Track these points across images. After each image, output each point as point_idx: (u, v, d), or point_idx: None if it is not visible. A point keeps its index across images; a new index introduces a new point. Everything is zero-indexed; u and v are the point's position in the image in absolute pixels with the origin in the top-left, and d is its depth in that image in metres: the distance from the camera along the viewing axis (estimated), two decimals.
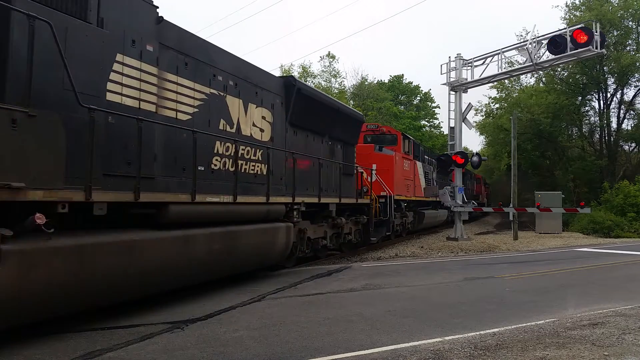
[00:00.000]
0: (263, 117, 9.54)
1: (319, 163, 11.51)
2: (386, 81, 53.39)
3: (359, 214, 14.04)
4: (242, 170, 8.68)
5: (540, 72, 27.80)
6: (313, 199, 11.00)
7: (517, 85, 38.16)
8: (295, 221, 10.11)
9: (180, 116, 7.38)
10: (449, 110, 20.36)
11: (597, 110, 34.38)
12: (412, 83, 54.82)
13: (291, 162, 10.23)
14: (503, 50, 19.15)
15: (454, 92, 20.22)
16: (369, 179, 14.98)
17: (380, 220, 15.67)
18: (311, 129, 11.51)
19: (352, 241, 13.81)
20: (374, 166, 15.65)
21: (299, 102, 10.55)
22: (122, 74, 6.27)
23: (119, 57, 6.23)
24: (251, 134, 9.09)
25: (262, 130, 9.46)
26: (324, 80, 42.74)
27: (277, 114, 10.00)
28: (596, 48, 16.66)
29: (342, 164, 13.09)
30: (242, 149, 8.71)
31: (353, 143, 14.30)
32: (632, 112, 33.38)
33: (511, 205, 21.16)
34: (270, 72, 10.40)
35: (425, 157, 23.76)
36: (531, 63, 18.17)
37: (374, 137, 18.44)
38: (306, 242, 11.06)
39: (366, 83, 45.18)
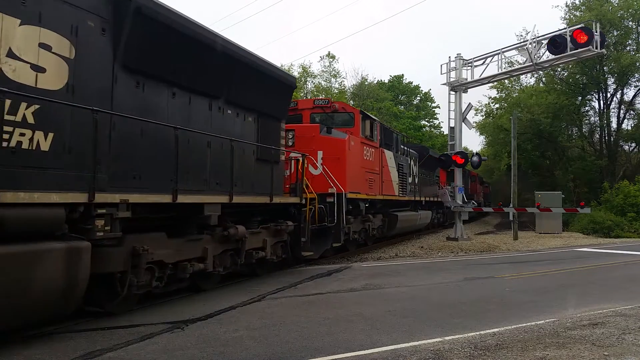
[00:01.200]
0: (44, 46, 5.24)
1: (191, 137, 7.23)
2: (386, 81, 53.42)
3: (282, 219, 10.05)
4: None
5: (540, 72, 27.77)
6: (154, 196, 6.41)
7: (517, 85, 38.20)
8: (104, 237, 5.64)
9: None
10: (449, 110, 20.36)
11: (597, 110, 34.42)
12: (412, 83, 54.92)
13: (125, 131, 6.18)
14: (503, 50, 19.15)
15: (454, 92, 20.21)
16: (314, 171, 11.77)
17: (323, 228, 11.78)
18: (181, 83, 7.25)
19: (266, 259, 9.43)
20: (320, 154, 12.16)
21: (143, 31, 6.35)
22: None
23: None
24: (2, 71, 4.84)
25: (39, 70, 5.18)
26: (324, 80, 42.77)
27: (87, 46, 5.75)
28: (596, 48, 16.65)
29: (255, 146, 9.12)
30: None
31: (278, 117, 10.23)
32: (632, 112, 33.40)
33: (511, 205, 21.15)
34: None
35: (403, 147, 19.17)
36: (531, 63, 18.16)
37: (323, 117, 14.08)
38: (156, 271, 6.63)
39: (366, 83, 45.19)
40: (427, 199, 22.43)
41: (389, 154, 16.59)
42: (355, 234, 14.01)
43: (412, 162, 20.10)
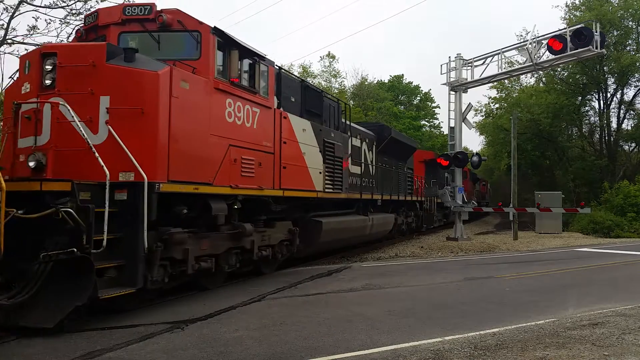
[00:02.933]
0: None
1: None
2: (386, 81, 53.39)
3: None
4: None
5: (540, 72, 27.77)
6: None
7: (517, 85, 38.19)
8: None
9: None
10: (449, 110, 20.34)
11: (597, 110, 34.41)
12: (412, 83, 54.84)
13: None
14: (503, 50, 19.13)
15: (454, 92, 20.20)
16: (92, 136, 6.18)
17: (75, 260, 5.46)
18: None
19: None
20: (106, 102, 6.39)
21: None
22: None
23: None
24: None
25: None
26: (324, 80, 42.74)
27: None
28: (596, 48, 16.64)
29: None
30: None
31: None
32: (632, 112, 33.38)
33: (511, 205, 21.15)
34: None
35: (346, 122, 13.29)
36: (531, 63, 18.15)
37: (145, 40, 7.70)
38: None
39: (366, 83, 45.17)
40: (392, 197, 16.74)
41: (301, 124, 10.20)
42: (197, 264, 7.22)
43: (363, 146, 14.67)
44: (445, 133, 40.93)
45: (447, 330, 5.71)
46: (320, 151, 11.15)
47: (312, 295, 7.91)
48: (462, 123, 20.13)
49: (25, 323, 5.25)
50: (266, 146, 8.86)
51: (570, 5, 32.80)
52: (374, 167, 15.59)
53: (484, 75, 19.75)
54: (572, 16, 31.81)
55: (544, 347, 4.95)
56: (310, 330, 5.70)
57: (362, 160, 14.54)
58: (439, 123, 54.77)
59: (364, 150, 14.84)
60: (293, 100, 10.25)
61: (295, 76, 11.68)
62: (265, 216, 9.26)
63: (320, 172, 11.09)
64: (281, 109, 9.56)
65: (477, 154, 22.42)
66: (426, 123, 54.84)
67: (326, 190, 11.35)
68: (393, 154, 17.65)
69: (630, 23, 31.19)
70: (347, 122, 13.44)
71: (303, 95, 10.83)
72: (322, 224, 11.06)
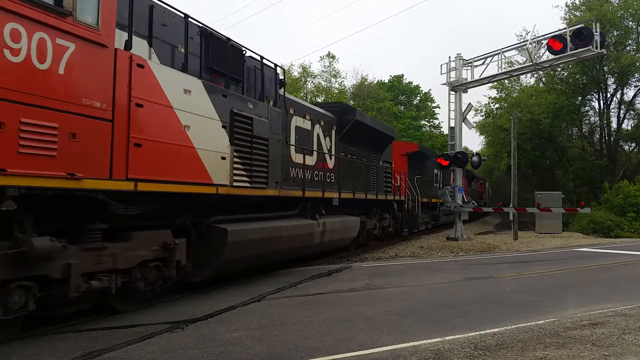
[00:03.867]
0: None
1: None
2: (386, 81, 53.42)
3: None
4: None
5: (540, 72, 27.78)
6: None
7: (517, 85, 38.21)
8: None
9: None
10: (449, 110, 20.34)
11: (597, 110, 34.44)
12: (412, 83, 54.90)
13: None
14: (503, 50, 19.13)
15: (454, 92, 20.19)
16: None
17: None
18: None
19: None
20: None
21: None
22: None
23: None
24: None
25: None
26: (324, 80, 42.76)
27: None
28: (596, 48, 16.65)
29: None
30: None
31: None
32: (632, 112, 33.40)
33: (511, 205, 21.15)
34: None
35: (284, 94, 10.25)
36: (531, 63, 18.15)
37: None
38: None
39: (366, 83, 45.21)
40: (357, 196, 13.50)
41: (180, 82, 6.90)
42: None
43: (316, 129, 11.68)
44: (445, 133, 40.98)
45: (447, 330, 5.71)
46: (224, 127, 7.66)
47: (312, 295, 7.91)
48: (462, 123, 20.13)
49: None
50: (91, 107, 5.36)
51: (570, 5, 32.87)
52: (333, 157, 12.33)
53: (484, 75, 19.75)
54: (572, 16, 31.85)
55: (544, 347, 4.95)
56: (310, 330, 5.70)
57: (315, 148, 11.46)
58: (439, 123, 54.87)
59: (318, 135, 11.68)
60: (181, 50, 7.24)
61: (191, 18, 7.41)
62: (107, 224, 5.93)
63: (224, 158, 7.60)
64: (132, 51, 6.04)
65: (477, 154, 22.41)
66: (426, 123, 54.88)
67: (236, 184, 7.89)
68: (362, 142, 14.28)
69: (630, 23, 31.21)
70: (286, 95, 10.22)
71: (204, 47, 7.73)
72: (227, 233, 7.58)
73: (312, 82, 41.95)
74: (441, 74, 20.38)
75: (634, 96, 33.01)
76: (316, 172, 11.51)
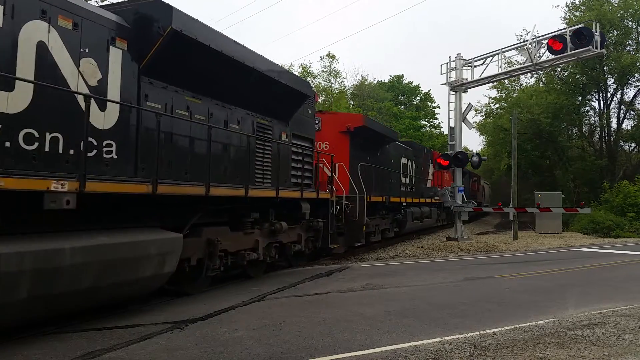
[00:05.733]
0: None
1: None
2: (386, 81, 53.42)
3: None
4: None
5: (540, 72, 27.78)
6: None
7: (517, 85, 38.20)
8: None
9: None
10: (449, 110, 20.37)
11: (597, 110, 34.44)
12: (412, 83, 54.91)
13: None
14: (503, 50, 19.15)
15: (454, 92, 20.21)
16: None
17: None
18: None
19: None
20: None
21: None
22: None
23: None
24: None
25: None
26: (324, 80, 42.75)
27: None
28: (596, 48, 16.66)
29: None
30: None
31: None
32: (632, 112, 33.40)
33: (511, 205, 21.15)
34: None
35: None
36: (531, 63, 18.16)
37: None
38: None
39: (366, 83, 45.20)
40: (183, 191, 6.93)
41: None
42: None
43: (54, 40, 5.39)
44: (445, 133, 40.98)
45: (447, 330, 5.71)
46: None
47: (312, 295, 7.91)
48: (462, 123, 20.14)
49: None
50: None
51: (570, 5, 32.87)
52: (114, 107, 6.16)
53: (484, 75, 19.78)
54: (572, 16, 31.85)
55: (544, 347, 4.95)
56: (310, 330, 5.70)
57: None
58: (439, 123, 54.88)
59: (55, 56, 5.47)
60: None
61: None
62: None
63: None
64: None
65: (477, 154, 22.42)
66: (426, 123, 54.87)
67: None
68: (220, 89, 8.05)
69: (630, 23, 31.20)
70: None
71: None
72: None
73: (312, 82, 41.91)
74: (441, 74, 20.41)
75: (634, 96, 33.06)
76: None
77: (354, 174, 13.70)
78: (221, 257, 7.98)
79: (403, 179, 18.97)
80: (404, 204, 18.20)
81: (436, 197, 22.03)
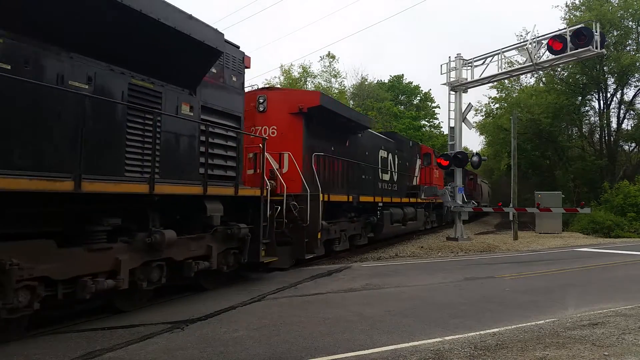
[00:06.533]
0: None
1: None
2: (386, 81, 53.40)
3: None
4: None
5: (540, 72, 27.78)
6: None
7: (517, 85, 38.18)
8: None
9: None
10: (449, 110, 20.33)
11: (597, 110, 34.41)
12: (412, 83, 54.87)
13: None
14: (503, 50, 19.13)
15: (454, 92, 20.19)
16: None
17: None
18: None
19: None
20: None
21: None
22: None
23: None
24: None
25: None
26: (324, 80, 42.75)
27: None
28: (596, 48, 16.65)
29: None
30: None
31: None
32: (632, 112, 33.36)
33: (511, 205, 21.14)
34: None
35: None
36: (531, 63, 18.15)
37: None
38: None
39: (366, 83, 45.20)
40: None
41: None
42: None
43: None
44: (445, 133, 40.93)
45: (447, 330, 5.71)
46: None
47: (312, 295, 7.91)
48: (462, 123, 20.13)
49: None
50: None
51: (570, 5, 32.85)
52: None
53: (484, 75, 19.75)
54: (572, 16, 31.83)
55: (544, 347, 4.95)
56: (310, 330, 5.70)
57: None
58: (439, 123, 54.83)
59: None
60: None
61: None
62: None
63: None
64: None
65: (477, 154, 22.39)
66: (426, 123, 54.83)
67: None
68: (48, 23, 5.46)
69: (630, 23, 31.18)
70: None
71: None
72: None
73: (312, 82, 41.93)
74: (441, 74, 20.38)
75: (634, 96, 33.02)
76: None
77: (308, 166, 11.11)
78: (32, 290, 4.99)
79: (382, 176, 16.43)
80: (381, 204, 15.46)
81: (428, 197, 20.99)
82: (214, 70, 8.10)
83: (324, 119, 11.91)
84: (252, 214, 8.73)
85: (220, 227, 7.85)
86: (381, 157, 16.60)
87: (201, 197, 7.33)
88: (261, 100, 11.10)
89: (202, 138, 7.55)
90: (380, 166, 16.32)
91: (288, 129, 11.15)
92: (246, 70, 9.06)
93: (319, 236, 10.90)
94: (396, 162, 18.22)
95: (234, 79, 8.79)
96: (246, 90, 9.96)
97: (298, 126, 11.27)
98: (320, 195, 10.83)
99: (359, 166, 14.29)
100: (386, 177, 16.91)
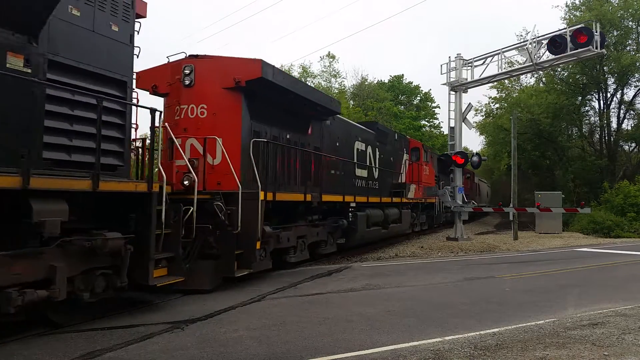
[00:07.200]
0: None
1: None
2: (386, 81, 53.40)
3: None
4: None
5: (540, 72, 27.77)
6: None
7: (517, 85, 38.18)
8: None
9: None
10: (449, 110, 20.33)
11: (597, 110, 34.41)
12: (412, 83, 54.84)
13: None
14: (503, 50, 19.14)
15: (454, 92, 20.19)
16: None
17: None
18: None
19: None
20: None
21: None
22: None
23: None
24: None
25: None
26: (324, 80, 42.76)
27: None
28: (596, 48, 16.65)
29: None
30: None
31: None
32: (632, 112, 33.38)
33: (511, 205, 21.14)
34: None
35: None
36: (531, 63, 18.16)
37: None
38: None
39: (366, 83, 45.20)
40: None
41: None
42: None
43: None
44: (445, 133, 40.98)
45: (447, 330, 5.71)
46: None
47: (312, 295, 7.91)
48: (462, 123, 20.13)
49: None
50: None
51: (570, 5, 32.86)
52: None
53: (484, 75, 19.76)
54: (572, 16, 31.83)
55: (544, 347, 4.95)
56: (310, 330, 5.70)
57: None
58: (439, 123, 54.80)
59: None
60: None
61: None
62: None
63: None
64: None
65: (477, 154, 22.40)
66: (426, 123, 54.82)
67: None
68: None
69: (630, 23, 31.18)
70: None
71: None
72: None
73: (312, 82, 41.93)
74: (441, 74, 20.39)
75: (634, 96, 33.00)
76: None
77: (246, 156, 8.83)
78: None
79: (358, 172, 14.09)
80: (353, 204, 13.12)
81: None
82: (75, 11, 5.75)
83: (273, 98, 9.53)
84: (139, 218, 6.30)
85: (76, 238, 5.46)
86: (357, 149, 14.14)
87: (22, 193, 4.78)
88: (187, 72, 8.78)
89: (56, 107, 5.49)
90: (356, 160, 13.93)
91: (221, 108, 8.75)
92: (142, 20, 6.76)
93: (257, 246, 8.45)
94: (377, 157, 15.72)
95: (115, 27, 6.30)
96: (172, 59, 8.70)
97: (234, 105, 8.85)
98: (261, 193, 8.45)
99: (325, 159, 11.80)
100: (363, 173, 14.52)
